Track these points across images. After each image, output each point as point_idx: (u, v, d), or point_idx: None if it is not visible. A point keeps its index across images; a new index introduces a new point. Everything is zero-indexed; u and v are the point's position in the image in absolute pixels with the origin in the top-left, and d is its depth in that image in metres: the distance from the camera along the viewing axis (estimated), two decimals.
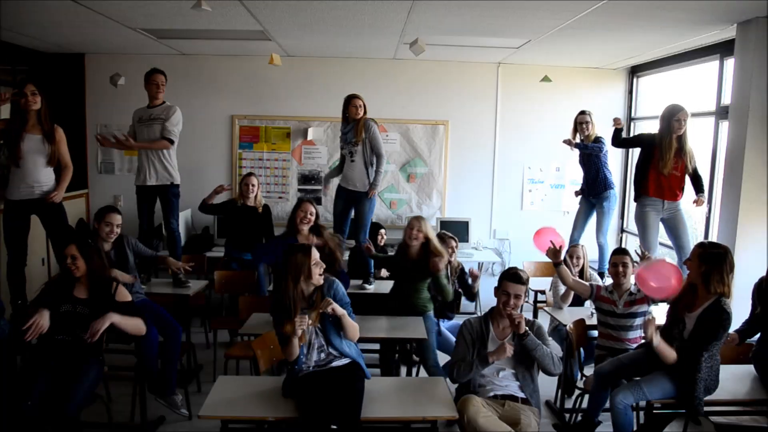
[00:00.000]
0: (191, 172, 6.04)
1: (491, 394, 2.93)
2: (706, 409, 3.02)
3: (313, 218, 4.09)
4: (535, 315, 4.99)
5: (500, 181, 6.43)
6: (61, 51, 5.96)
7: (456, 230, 5.95)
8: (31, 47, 5.74)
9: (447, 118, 6.28)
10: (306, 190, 6.31)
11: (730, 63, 4.42)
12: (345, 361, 2.93)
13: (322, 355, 2.93)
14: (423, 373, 4.18)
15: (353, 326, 2.95)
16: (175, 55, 6.02)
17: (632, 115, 6.32)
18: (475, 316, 3.16)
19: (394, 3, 3.82)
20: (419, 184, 6.36)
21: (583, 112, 5.30)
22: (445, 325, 4.26)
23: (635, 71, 6.25)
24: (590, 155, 5.24)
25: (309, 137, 6.26)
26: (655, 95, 6.13)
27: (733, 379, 3.17)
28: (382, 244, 5.36)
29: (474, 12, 4.03)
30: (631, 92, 6.32)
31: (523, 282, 3.02)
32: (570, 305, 4.25)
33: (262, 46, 5.41)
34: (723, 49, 4.61)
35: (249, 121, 6.26)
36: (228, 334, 5.11)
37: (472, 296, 4.58)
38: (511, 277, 3.03)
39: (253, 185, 5.06)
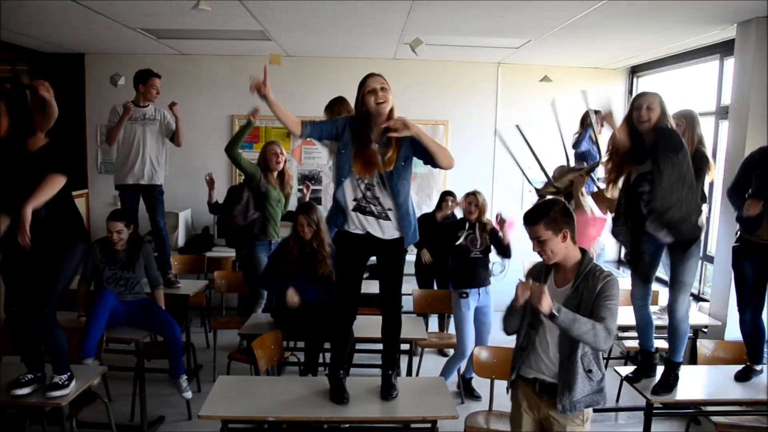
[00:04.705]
0: (191, 172, 6.04)
1: (526, 375, 2.51)
2: (707, 409, 3.02)
3: (312, 228, 3.77)
4: None
5: (500, 181, 6.43)
6: (61, 51, 5.96)
7: None
8: (31, 47, 5.74)
9: (447, 118, 6.28)
10: None
11: (730, 63, 4.42)
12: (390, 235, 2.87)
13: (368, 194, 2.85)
14: (423, 373, 4.18)
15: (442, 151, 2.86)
16: (175, 55, 6.02)
17: None
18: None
19: (394, 3, 3.82)
20: (419, 184, 6.35)
21: (597, 112, 5.16)
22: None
23: (635, 71, 6.25)
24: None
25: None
26: None
27: (734, 379, 3.15)
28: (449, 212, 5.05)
29: (474, 12, 4.03)
30: (631, 92, 6.31)
31: (535, 221, 2.43)
32: None
33: (262, 46, 5.40)
34: (723, 49, 4.61)
35: None
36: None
37: (505, 249, 4.23)
38: (524, 218, 2.54)
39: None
